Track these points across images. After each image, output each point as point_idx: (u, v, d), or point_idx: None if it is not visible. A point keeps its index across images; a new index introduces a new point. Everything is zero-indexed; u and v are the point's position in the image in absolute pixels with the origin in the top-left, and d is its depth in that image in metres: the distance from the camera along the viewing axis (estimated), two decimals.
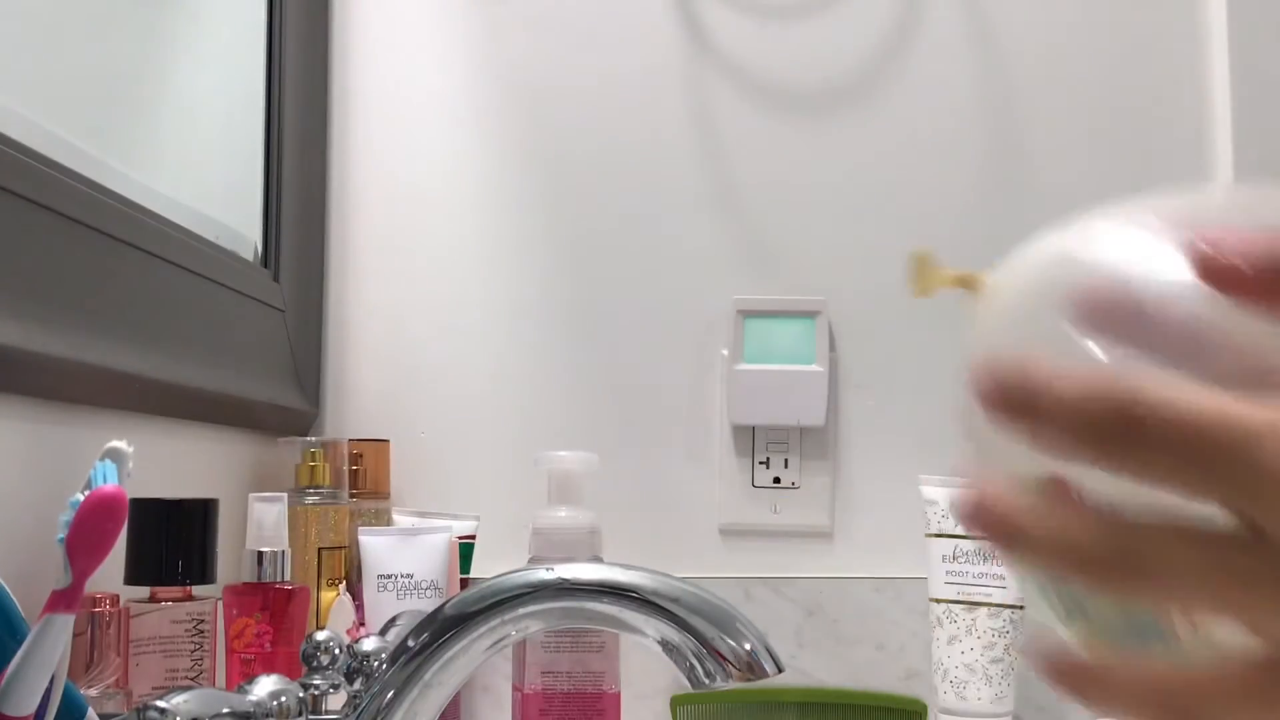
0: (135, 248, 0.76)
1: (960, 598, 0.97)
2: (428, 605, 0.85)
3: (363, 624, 0.92)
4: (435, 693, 0.63)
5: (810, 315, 1.10)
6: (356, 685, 0.65)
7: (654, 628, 0.60)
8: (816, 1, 1.16)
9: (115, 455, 0.51)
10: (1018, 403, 0.31)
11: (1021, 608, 0.97)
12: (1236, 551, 0.29)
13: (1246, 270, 0.30)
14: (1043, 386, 0.30)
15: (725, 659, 0.58)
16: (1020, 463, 0.33)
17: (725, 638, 0.58)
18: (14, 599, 0.51)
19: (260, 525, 0.78)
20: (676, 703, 1.02)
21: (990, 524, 0.32)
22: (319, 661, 0.65)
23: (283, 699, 0.58)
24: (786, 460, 1.11)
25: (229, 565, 0.77)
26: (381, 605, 0.89)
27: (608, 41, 1.16)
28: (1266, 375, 0.31)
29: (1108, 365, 0.31)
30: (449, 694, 0.64)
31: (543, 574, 0.61)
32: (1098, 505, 0.31)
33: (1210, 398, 0.29)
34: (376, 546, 0.92)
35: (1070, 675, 0.32)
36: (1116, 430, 0.29)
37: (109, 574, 0.64)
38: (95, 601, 0.65)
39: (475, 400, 1.13)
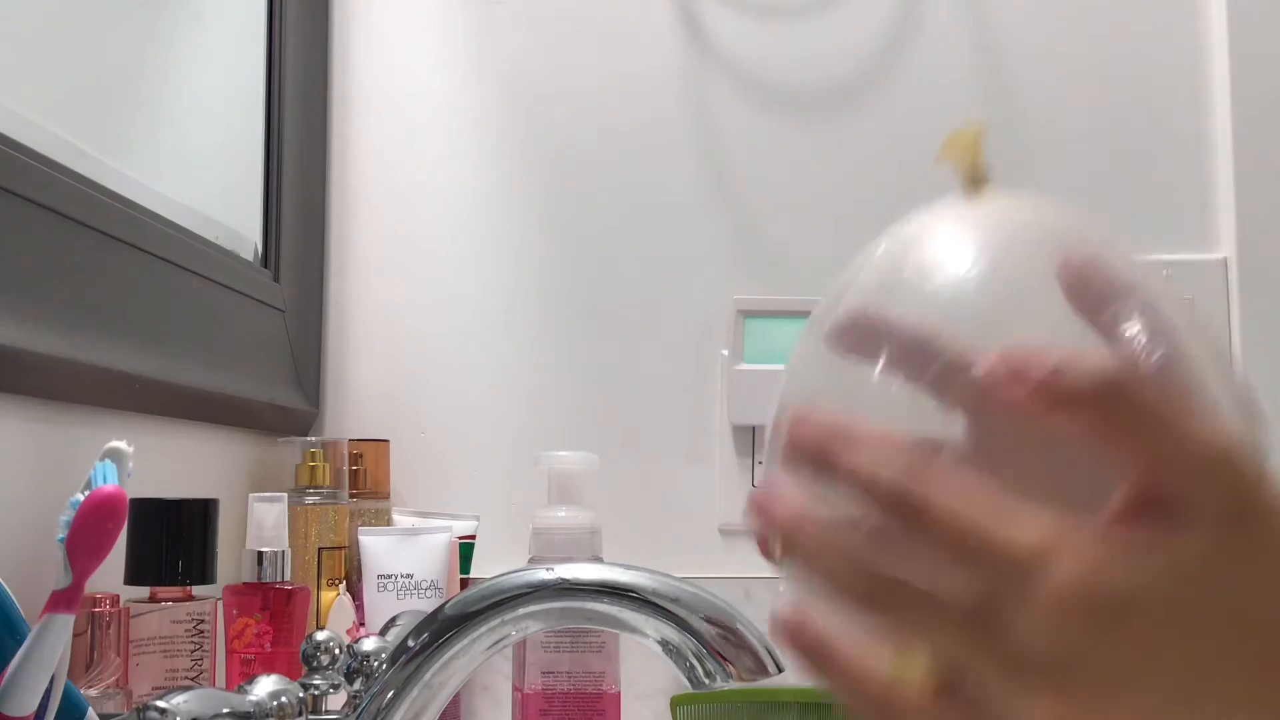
0: (135, 248, 0.76)
1: None
2: (428, 605, 0.85)
3: (363, 624, 0.92)
4: (435, 693, 0.63)
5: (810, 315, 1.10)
6: (356, 685, 0.65)
7: (654, 628, 0.60)
8: (816, 1, 1.16)
9: (115, 455, 0.51)
10: (817, 456, 0.35)
11: None
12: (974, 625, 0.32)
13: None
14: (842, 446, 0.34)
15: (725, 659, 0.58)
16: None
17: (725, 638, 0.58)
18: (14, 599, 0.51)
19: (260, 525, 0.78)
20: (676, 703, 1.02)
21: (771, 526, 0.36)
22: (319, 661, 0.65)
23: (283, 699, 0.58)
24: None
25: (229, 565, 0.77)
26: (381, 605, 0.89)
27: (607, 41, 1.16)
28: None
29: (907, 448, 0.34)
30: (449, 694, 0.64)
31: (543, 574, 0.61)
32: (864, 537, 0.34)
33: (987, 510, 0.32)
34: (376, 546, 0.92)
35: (799, 637, 0.36)
36: (898, 509, 0.33)
37: (109, 574, 0.64)
38: (95, 601, 0.65)
39: (475, 400, 1.13)
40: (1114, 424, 0.32)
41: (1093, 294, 0.36)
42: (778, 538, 0.35)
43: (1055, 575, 0.31)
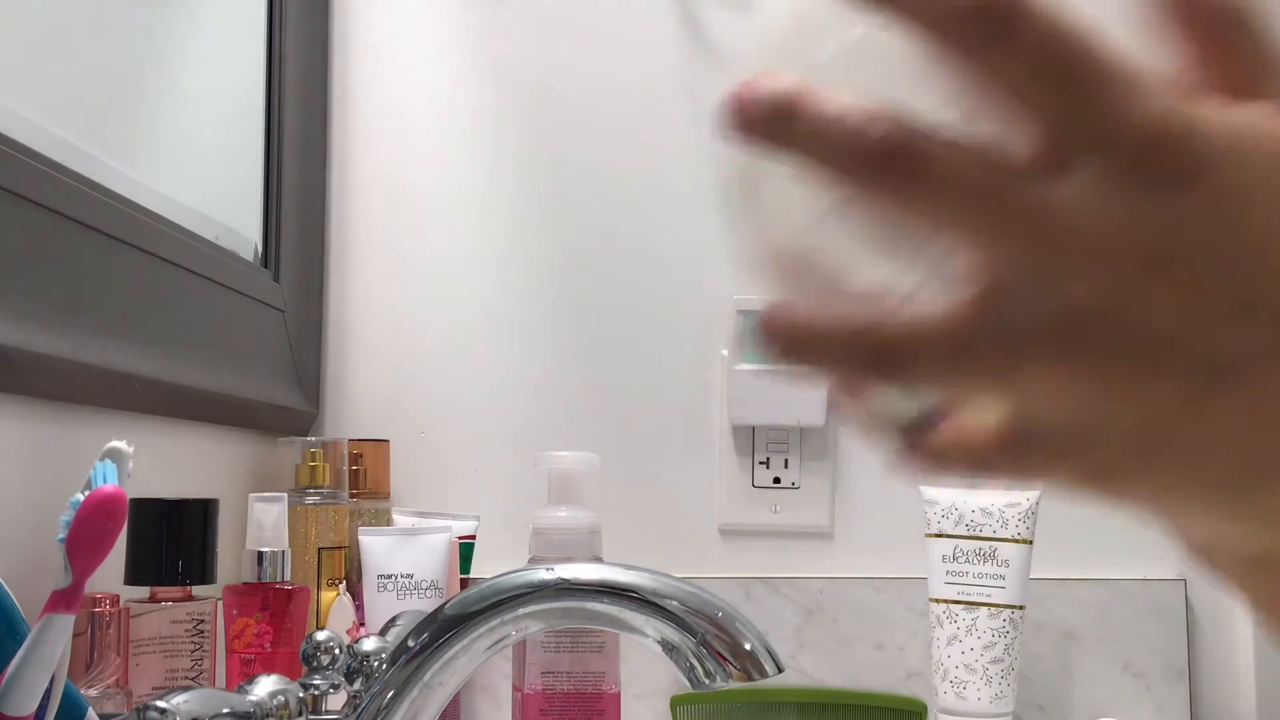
0: (135, 248, 0.76)
1: (960, 598, 0.97)
2: (428, 605, 0.85)
3: (363, 624, 0.92)
4: (435, 693, 0.63)
5: None
6: (356, 685, 0.65)
7: (654, 628, 0.60)
8: None
9: (115, 455, 0.51)
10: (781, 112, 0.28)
11: (1023, 608, 0.97)
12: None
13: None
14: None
15: (725, 659, 0.58)
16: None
17: (725, 638, 0.58)
18: (14, 599, 0.51)
19: (260, 525, 0.78)
20: (676, 703, 1.02)
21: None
22: (319, 661, 0.65)
23: (283, 699, 0.58)
24: (786, 460, 1.11)
25: (229, 565, 0.77)
26: (381, 605, 0.89)
27: (607, 41, 1.16)
28: None
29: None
30: (449, 694, 0.64)
31: (543, 574, 0.61)
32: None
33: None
34: (376, 546, 0.92)
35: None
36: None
37: (109, 574, 0.64)
38: (95, 601, 0.65)
39: (475, 400, 1.13)
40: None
41: None
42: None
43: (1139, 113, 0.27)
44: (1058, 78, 0.27)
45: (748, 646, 0.58)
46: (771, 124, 0.28)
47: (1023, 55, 0.27)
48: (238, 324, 0.96)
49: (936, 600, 0.99)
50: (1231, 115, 0.27)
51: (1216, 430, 0.27)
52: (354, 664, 0.65)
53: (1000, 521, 0.98)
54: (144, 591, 0.70)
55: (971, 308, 0.28)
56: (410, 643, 0.62)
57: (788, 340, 0.30)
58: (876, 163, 0.27)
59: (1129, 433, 0.28)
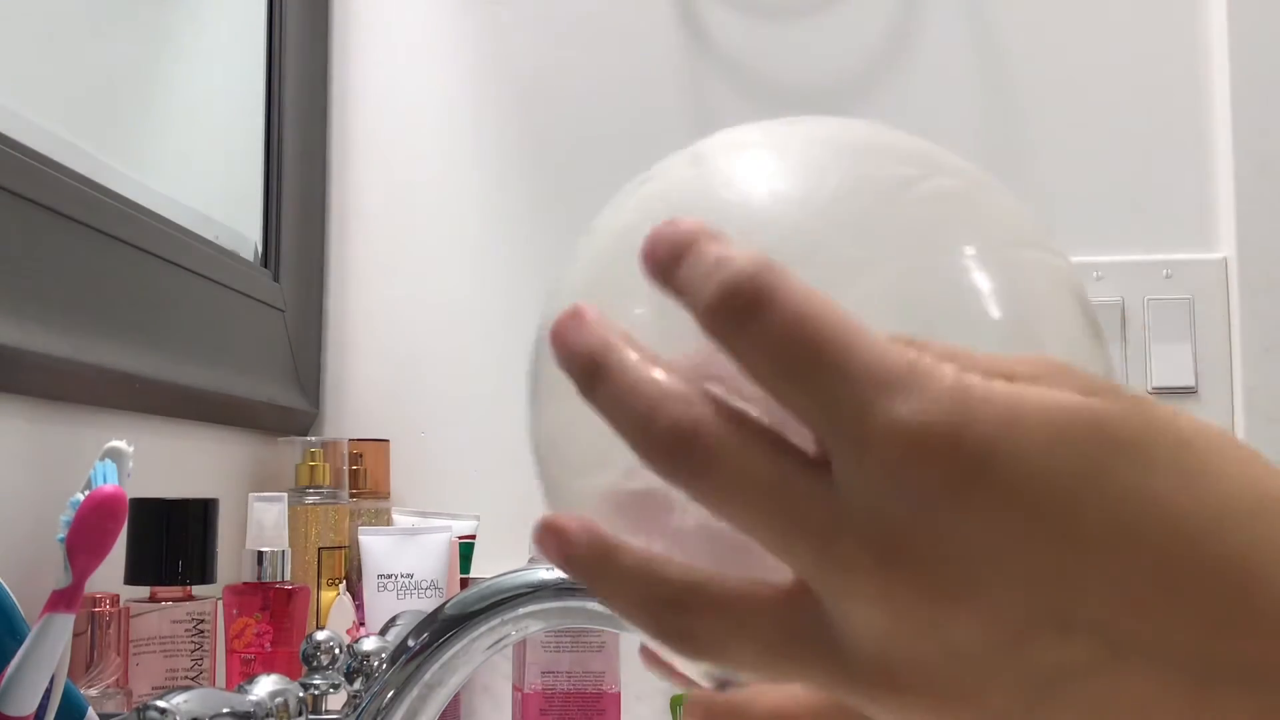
0: (135, 248, 0.76)
1: None
2: (428, 605, 0.85)
3: (363, 624, 0.92)
4: (435, 693, 0.63)
5: None
6: (356, 685, 0.65)
7: None
8: (816, 1, 1.16)
9: (115, 455, 0.51)
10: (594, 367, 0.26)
11: None
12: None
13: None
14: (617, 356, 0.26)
15: None
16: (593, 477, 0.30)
17: None
18: (14, 599, 0.51)
19: (260, 525, 0.78)
20: (676, 703, 1.02)
21: (570, 556, 0.28)
22: (319, 661, 0.65)
23: (283, 699, 0.58)
24: None
25: (229, 565, 0.78)
26: (381, 605, 0.89)
27: (608, 41, 1.16)
28: None
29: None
30: (449, 694, 0.64)
31: (543, 574, 0.61)
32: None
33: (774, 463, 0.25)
34: (376, 546, 0.92)
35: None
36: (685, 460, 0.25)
37: (109, 574, 0.64)
38: (95, 601, 0.65)
39: (475, 400, 1.13)
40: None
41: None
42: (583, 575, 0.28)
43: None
44: (804, 373, 0.24)
45: None
46: (580, 372, 0.26)
47: (768, 346, 0.24)
48: (238, 324, 0.96)
49: None
50: (999, 391, 0.24)
51: None
52: (354, 664, 0.65)
53: None
54: (144, 591, 0.70)
55: (788, 602, 0.25)
56: (410, 643, 0.62)
57: (586, 562, 0.27)
58: (662, 449, 0.25)
59: None
